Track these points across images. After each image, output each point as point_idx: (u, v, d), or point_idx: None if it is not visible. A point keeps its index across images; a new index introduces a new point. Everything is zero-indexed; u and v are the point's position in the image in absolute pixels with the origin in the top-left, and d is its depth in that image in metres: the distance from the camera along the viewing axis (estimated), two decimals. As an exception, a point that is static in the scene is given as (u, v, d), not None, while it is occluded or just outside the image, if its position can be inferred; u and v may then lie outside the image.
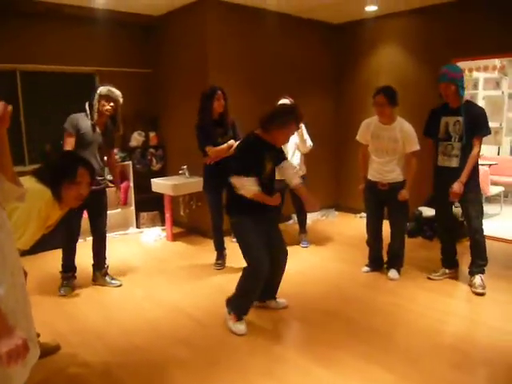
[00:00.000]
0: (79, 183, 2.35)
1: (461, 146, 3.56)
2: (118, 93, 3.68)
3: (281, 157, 3.23)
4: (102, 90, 3.62)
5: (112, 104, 3.65)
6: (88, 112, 3.63)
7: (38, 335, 2.17)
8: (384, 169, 3.83)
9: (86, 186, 2.40)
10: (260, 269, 3.03)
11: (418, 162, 3.80)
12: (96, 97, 3.61)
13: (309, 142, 4.74)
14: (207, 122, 4.02)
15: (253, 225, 3.07)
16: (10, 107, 1.39)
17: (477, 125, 3.50)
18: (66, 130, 3.60)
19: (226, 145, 4.00)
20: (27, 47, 4.90)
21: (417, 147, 3.77)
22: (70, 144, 3.58)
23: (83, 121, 3.63)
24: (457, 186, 3.53)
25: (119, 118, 3.79)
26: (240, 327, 3.10)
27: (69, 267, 3.81)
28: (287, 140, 3.17)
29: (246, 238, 3.09)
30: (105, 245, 3.97)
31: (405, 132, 3.74)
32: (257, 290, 3.14)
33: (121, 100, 3.71)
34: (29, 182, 2.21)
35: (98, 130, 3.69)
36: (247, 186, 3.00)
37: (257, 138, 3.10)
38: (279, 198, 3.18)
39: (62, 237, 3.72)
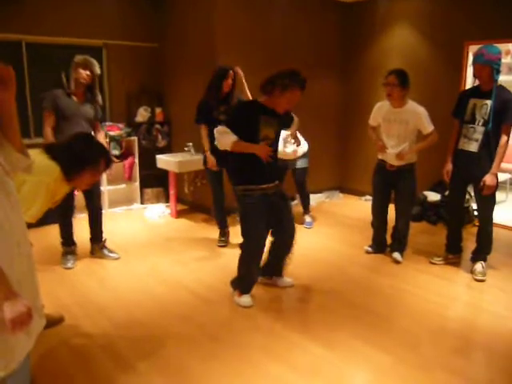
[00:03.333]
0: (98, 172, 2.43)
1: (484, 131, 3.42)
2: (94, 62, 3.65)
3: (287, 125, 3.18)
4: (78, 57, 3.63)
5: (88, 72, 3.61)
6: (64, 82, 3.60)
7: (43, 306, 2.20)
8: (394, 150, 3.79)
9: (100, 174, 2.50)
10: (252, 245, 3.05)
11: (430, 145, 3.77)
12: (72, 65, 3.59)
13: (290, 149, 4.40)
14: (211, 101, 4.02)
15: (258, 201, 3.01)
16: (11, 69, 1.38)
17: (505, 111, 3.34)
18: (45, 108, 3.56)
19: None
20: (34, 18, 4.83)
21: (432, 127, 3.72)
22: (49, 123, 3.56)
23: (62, 95, 3.60)
24: (489, 179, 3.39)
25: (96, 87, 3.76)
26: (245, 300, 3.16)
27: (70, 241, 3.83)
28: (290, 106, 2.98)
29: (247, 214, 3.07)
30: (101, 219, 4.00)
31: (418, 114, 3.68)
32: (254, 266, 3.17)
33: (97, 69, 3.68)
34: (39, 157, 2.26)
35: (77, 101, 3.65)
36: (225, 135, 2.92)
37: (255, 101, 3.04)
38: (266, 148, 2.95)
39: (57, 214, 3.69)
